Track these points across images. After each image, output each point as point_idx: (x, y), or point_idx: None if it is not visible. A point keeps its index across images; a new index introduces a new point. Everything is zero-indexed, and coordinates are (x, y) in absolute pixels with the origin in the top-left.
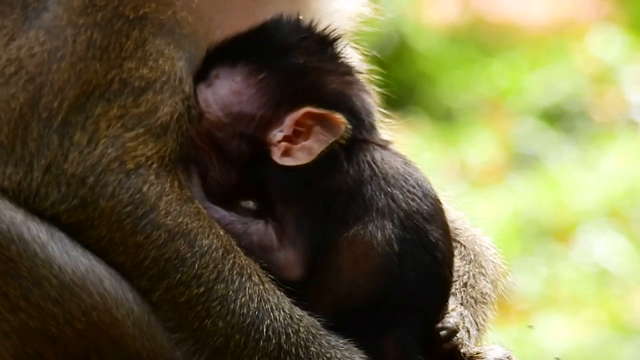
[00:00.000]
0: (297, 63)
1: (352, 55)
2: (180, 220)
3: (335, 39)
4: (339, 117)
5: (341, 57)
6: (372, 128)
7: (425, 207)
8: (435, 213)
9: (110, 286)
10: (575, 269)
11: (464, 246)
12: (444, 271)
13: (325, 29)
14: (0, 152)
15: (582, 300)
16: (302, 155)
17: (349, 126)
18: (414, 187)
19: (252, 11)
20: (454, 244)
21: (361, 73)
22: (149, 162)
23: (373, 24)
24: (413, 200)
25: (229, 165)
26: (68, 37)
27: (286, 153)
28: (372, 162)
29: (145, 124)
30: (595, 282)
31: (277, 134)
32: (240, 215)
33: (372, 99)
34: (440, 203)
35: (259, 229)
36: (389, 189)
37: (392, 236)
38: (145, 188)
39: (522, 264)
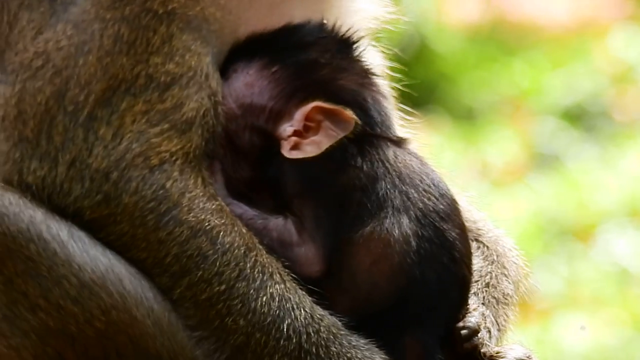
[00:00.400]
0: (311, 58)
1: (373, 57)
2: (202, 217)
3: (355, 41)
4: (349, 113)
5: (359, 59)
6: (386, 127)
7: (442, 206)
8: (452, 213)
9: (129, 285)
10: (596, 269)
11: (487, 247)
12: (463, 270)
13: (346, 31)
14: (25, 146)
15: (602, 300)
16: (310, 149)
17: (359, 122)
18: (429, 187)
19: (278, 8)
20: (477, 245)
21: (379, 76)
22: (173, 158)
23: (395, 24)
24: (429, 199)
25: (241, 159)
26: (95, 32)
27: (295, 147)
28: (385, 160)
29: (170, 120)
30: (615, 282)
31: (287, 129)
32: (260, 211)
33: (387, 100)
34: (457, 204)
35: (278, 224)
36: (403, 187)
37: (409, 233)
38: (168, 184)
39: (543, 263)
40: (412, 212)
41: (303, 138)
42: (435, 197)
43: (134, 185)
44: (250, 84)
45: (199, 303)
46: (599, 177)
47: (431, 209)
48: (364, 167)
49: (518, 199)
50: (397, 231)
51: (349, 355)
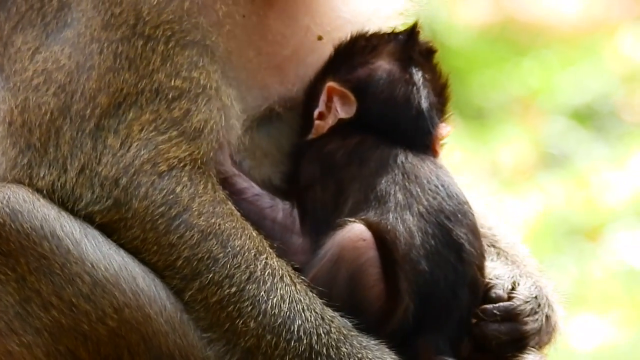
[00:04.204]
0: (353, 42)
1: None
2: (213, 220)
3: (414, 30)
4: (351, 96)
5: (408, 47)
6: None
7: (448, 206)
8: (460, 214)
9: (143, 283)
10: (605, 268)
11: (506, 252)
12: (472, 271)
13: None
14: (33, 153)
15: (611, 299)
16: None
17: (357, 107)
18: (437, 187)
19: (287, 29)
20: (496, 251)
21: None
22: (182, 164)
23: (406, 24)
24: (434, 198)
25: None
26: (94, 51)
27: (317, 130)
28: (390, 158)
29: (178, 128)
30: (625, 281)
31: (315, 112)
32: (268, 192)
33: (425, 90)
34: (469, 207)
35: (285, 208)
36: (407, 184)
37: (413, 228)
38: (178, 189)
39: (552, 262)
40: (415, 209)
41: (324, 119)
42: (442, 197)
43: (144, 190)
44: (311, 78)
45: (210, 305)
46: (608, 176)
47: (436, 207)
48: (371, 163)
49: (527, 198)
50: (401, 225)
51: (359, 355)
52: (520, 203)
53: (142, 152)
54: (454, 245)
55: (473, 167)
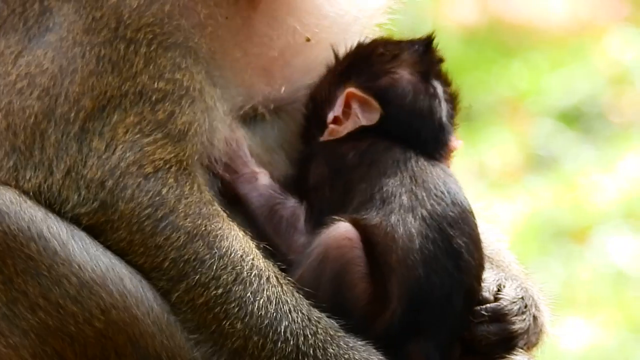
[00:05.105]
0: (370, 49)
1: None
2: (199, 222)
3: (430, 41)
4: (375, 103)
5: (427, 58)
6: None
7: (451, 213)
8: (463, 222)
9: (130, 284)
10: (592, 270)
11: (491, 259)
12: (469, 280)
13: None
14: (18, 156)
15: (599, 302)
16: (335, 132)
17: (383, 113)
18: (442, 193)
19: (273, 31)
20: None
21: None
22: (168, 166)
23: (393, 26)
24: (439, 204)
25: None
26: (76, 54)
27: (330, 134)
28: (403, 161)
29: (163, 130)
30: (612, 283)
31: (330, 115)
32: (281, 187)
33: (443, 103)
34: (472, 216)
35: (295, 206)
36: (413, 187)
37: (413, 231)
38: (164, 191)
39: (540, 264)
40: (418, 212)
41: (340, 124)
42: (446, 203)
43: (130, 192)
44: (319, 80)
45: (197, 307)
46: (596, 178)
47: (439, 213)
48: (380, 164)
49: (515, 200)
50: (401, 228)
51: (346, 356)
52: (508, 205)
53: (128, 154)
54: (453, 252)
55: (460, 168)
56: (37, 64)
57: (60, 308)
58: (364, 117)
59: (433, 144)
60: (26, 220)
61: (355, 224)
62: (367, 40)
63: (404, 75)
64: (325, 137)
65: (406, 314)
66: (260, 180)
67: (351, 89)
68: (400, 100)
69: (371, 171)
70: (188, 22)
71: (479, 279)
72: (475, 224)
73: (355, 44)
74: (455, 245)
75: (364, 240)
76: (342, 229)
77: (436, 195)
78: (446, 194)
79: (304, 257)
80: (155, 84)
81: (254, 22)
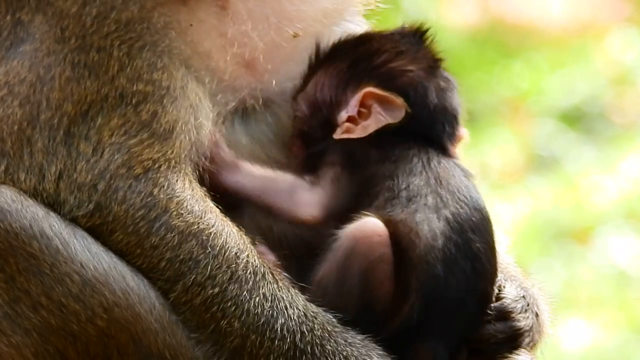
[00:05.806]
0: (372, 47)
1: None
2: (192, 221)
3: (423, 31)
4: (400, 101)
5: (424, 46)
6: (442, 128)
7: (473, 218)
8: (482, 228)
9: (132, 282)
10: (594, 271)
11: None
12: (484, 285)
13: (417, 24)
14: (9, 161)
15: (600, 302)
16: (358, 131)
17: (409, 110)
18: (465, 197)
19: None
20: None
21: (445, 64)
22: (157, 165)
23: (394, 26)
24: (462, 207)
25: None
26: (52, 63)
27: (346, 132)
28: (426, 161)
29: (148, 130)
30: (613, 284)
31: (343, 115)
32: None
33: (453, 87)
34: (491, 223)
35: (292, 176)
36: (439, 189)
37: (437, 231)
38: (155, 191)
39: (541, 265)
40: (442, 213)
41: (356, 124)
42: (469, 208)
43: (122, 194)
44: (316, 82)
45: (195, 307)
46: (597, 179)
47: (463, 217)
48: (402, 161)
49: (516, 200)
50: (426, 226)
51: (344, 353)
52: (509, 205)
53: (116, 157)
54: (472, 256)
55: None
56: (15, 73)
57: (62, 306)
58: (388, 115)
59: (450, 136)
60: (28, 219)
61: (386, 221)
62: (354, 37)
63: (417, 71)
64: (338, 135)
65: (422, 310)
66: (246, 167)
67: (369, 89)
68: (421, 98)
69: (397, 169)
70: (153, 27)
71: (492, 285)
72: (493, 232)
73: (343, 41)
74: (474, 250)
75: (392, 239)
76: (372, 224)
77: (459, 199)
78: (469, 198)
79: (329, 251)
80: (134, 85)
81: (227, 22)
